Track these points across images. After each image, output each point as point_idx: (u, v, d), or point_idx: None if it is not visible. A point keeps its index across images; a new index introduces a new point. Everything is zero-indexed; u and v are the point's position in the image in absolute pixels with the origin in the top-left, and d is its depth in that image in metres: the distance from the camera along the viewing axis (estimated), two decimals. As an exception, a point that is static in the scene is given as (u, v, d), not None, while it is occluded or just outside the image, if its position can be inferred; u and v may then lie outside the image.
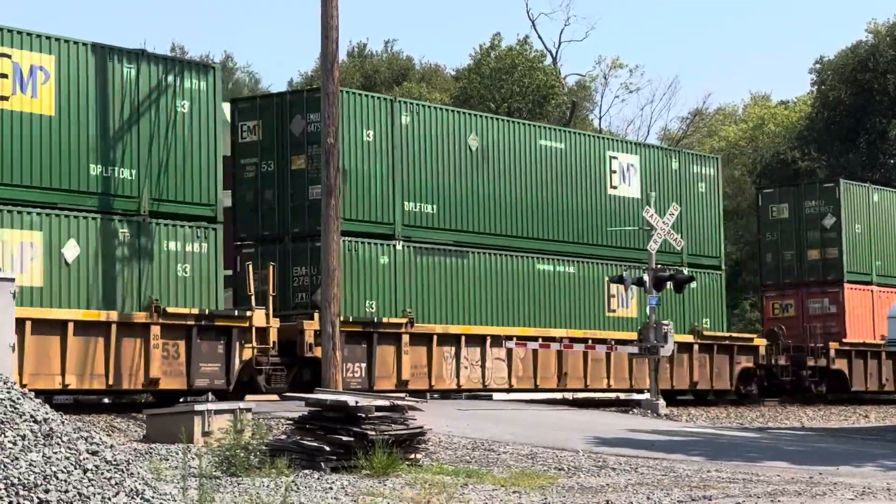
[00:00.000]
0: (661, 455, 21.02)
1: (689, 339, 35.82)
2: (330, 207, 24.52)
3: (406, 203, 29.92)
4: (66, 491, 9.49)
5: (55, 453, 9.94)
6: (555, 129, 34.53)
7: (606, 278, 33.75)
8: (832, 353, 39.63)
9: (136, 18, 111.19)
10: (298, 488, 14.70)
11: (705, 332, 36.23)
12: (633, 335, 33.45)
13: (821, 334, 40.07)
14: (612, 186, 34.78)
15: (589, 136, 35.73)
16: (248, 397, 24.72)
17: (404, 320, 29.06)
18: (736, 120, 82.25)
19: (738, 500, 14.68)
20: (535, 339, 31.35)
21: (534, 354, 31.77)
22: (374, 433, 16.96)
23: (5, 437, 9.94)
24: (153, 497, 9.94)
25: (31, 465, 9.64)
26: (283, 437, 18.03)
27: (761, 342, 38.71)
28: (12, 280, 20.13)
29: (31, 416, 10.39)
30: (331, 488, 14.94)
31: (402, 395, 21.72)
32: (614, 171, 34.90)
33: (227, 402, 21.58)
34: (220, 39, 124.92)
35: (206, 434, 20.17)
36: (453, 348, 30.17)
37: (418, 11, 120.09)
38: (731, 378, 37.04)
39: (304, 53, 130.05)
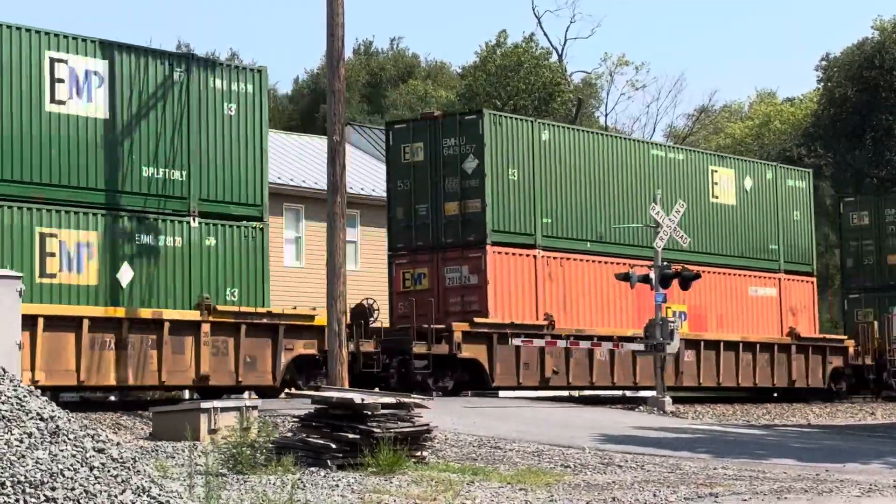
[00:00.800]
0: (668, 452, 21.00)
1: (192, 316, 25.86)
2: (336, 205, 24.54)
3: None
4: (73, 489, 9.50)
5: (61, 451, 9.95)
6: None
7: (38, 229, 24.04)
8: (458, 336, 29.56)
9: (141, 16, 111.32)
10: (305, 486, 14.71)
11: (222, 308, 26.19)
12: (86, 309, 24.49)
13: (459, 312, 30.48)
14: (55, 101, 24.73)
15: (9, 27, 24.38)
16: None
17: None
18: (742, 117, 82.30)
19: (745, 498, 14.67)
20: None
21: None
22: (380, 431, 16.95)
23: (12, 434, 9.95)
24: (160, 495, 9.94)
25: (37, 462, 9.65)
26: (290, 434, 18.03)
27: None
28: (19, 277, 20.14)
29: (38, 414, 10.40)
30: (337, 486, 14.95)
31: (408, 392, 21.71)
32: (60, 80, 24.79)
33: (234, 400, 21.59)
34: (226, 37, 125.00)
35: (212, 432, 20.18)
36: None
37: (424, 9, 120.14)
38: (276, 370, 26.84)
39: (310, 51, 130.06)
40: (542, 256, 31.74)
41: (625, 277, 32.40)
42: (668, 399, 31.41)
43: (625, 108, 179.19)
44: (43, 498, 9.27)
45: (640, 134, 73.98)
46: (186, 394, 30.11)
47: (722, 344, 35.64)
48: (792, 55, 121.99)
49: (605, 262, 33.19)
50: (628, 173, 34.26)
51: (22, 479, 9.38)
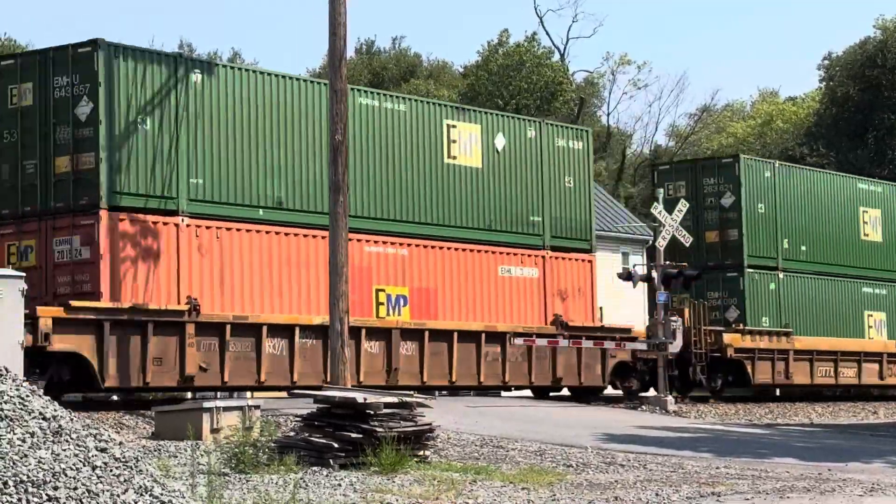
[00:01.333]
0: (670, 452, 21.00)
1: None
2: (338, 205, 24.53)
3: None
4: (75, 488, 9.50)
5: (64, 450, 9.95)
6: None
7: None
8: (46, 324, 22.81)
9: (144, 16, 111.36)
10: (307, 485, 14.71)
11: None
12: None
13: (69, 294, 24.10)
14: None
15: None
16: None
17: None
18: (744, 116, 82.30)
19: (747, 497, 14.66)
20: None
21: None
22: (382, 430, 16.95)
23: (14, 434, 9.94)
24: (162, 494, 9.94)
25: (39, 462, 9.65)
26: (292, 434, 18.03)
27: None
28: (22, 277, 20.10)
29: (40, 414, 10.40)
30: (339, 485, 14.94)
31: (411, 392, 21.69)
32: None
33: (236, 400, 21.59)
34: (228, 36, 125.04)
35: (214, 431, 20.18)
36: None
37: (426, 8, 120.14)
38: None
39: (312, 50, 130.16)
40: (189, 225, 25.32)
41: (627, 276, 32.37)
42: (670, 398, 31.39)
43: (627, 108, 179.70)
44: (45, 497, 9.27)
45: (642, 133, 73.81)
46: (189, 393, 30.10)
47: (456, 335, 29.17)
48: (794, 54, 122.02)
49: (287, 235, 27.05)
50: (321, 125, 27.42)
51: (24, 478, 9.37)
